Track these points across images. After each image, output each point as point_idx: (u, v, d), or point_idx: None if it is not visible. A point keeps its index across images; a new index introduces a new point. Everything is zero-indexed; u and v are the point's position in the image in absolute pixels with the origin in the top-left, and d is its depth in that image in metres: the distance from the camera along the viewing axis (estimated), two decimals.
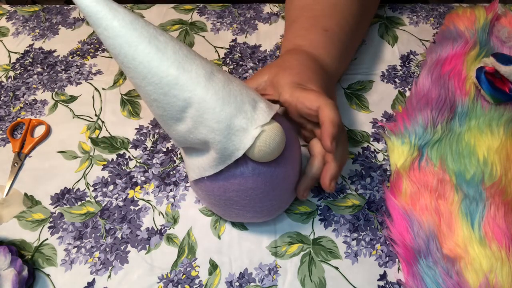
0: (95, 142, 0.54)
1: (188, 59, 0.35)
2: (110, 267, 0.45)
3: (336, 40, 0.52)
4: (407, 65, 0.62)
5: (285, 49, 0.53)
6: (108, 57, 0.63)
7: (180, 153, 0.53)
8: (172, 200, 0.50)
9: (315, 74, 0.46)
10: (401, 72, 0.61)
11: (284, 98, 0.44)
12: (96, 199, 0.50)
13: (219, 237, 0.47)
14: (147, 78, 0.34)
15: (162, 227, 0.48)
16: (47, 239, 0.47)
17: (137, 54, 0.34)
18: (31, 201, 0.50)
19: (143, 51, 0.34)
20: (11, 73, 0.62)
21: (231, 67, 0.62)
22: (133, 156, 0.53)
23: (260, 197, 0.40)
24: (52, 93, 0.59)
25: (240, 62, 0.62)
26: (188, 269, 0.45)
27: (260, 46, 0.65)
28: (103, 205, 0.49)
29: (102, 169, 0.52)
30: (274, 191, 0.41)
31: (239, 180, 0.39)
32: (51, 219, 0.48)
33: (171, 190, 0.50)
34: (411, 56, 0.63)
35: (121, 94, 0.59)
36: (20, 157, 0.53)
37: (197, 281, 0.44)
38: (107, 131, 0.56)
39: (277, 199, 0.42)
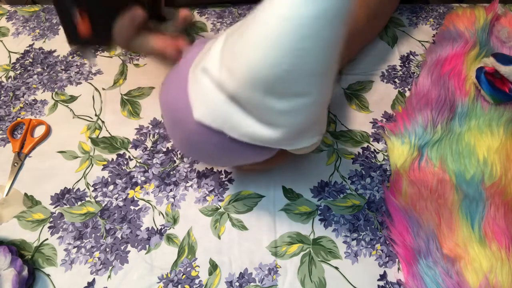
0: (95, 142, 0.54)
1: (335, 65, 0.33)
2: (110, 267, 0.45)
3: None
4: (407, 65, 0.62)
5: None
6: (108, 57, 0.63)
7: (180, 153, 0.53)
8: (172, 200, 0.50)
9: None
10: (401, 73, 0.61)
11: None
12: (96, 199, 0.50)
13: (219, 237, 0.47)
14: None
15: (162, 227, 0.48)
16: (47, 239, 0.47)
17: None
18: (31, 201, 0.50)
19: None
20: (11, 73, 0.62)
21: None
22: (133, 156, 0.53)
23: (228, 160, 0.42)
24: (52, 93, 0.59)
25: None
26: (188, 269, 0.45)
27: None
28: (103, 205, 0.49)
29: (102, 169, 0.52)
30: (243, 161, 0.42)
31: (231, 147, 0.37)
32: (51, 219, 0.48)
33: (171, 190, 0.50)
34: (411, 57, 0.63)
35: (121, 94, 0.59)
36: (20, 157, 0.53)
37: (197, 281, 0.44)
38: (107, 131, 0.56)
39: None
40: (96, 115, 0.57)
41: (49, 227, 0.48)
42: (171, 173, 0.52)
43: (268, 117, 0.33)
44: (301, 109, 0.33)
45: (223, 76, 0.33)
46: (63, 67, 0.62)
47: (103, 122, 0.56)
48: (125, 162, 0.53)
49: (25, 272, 0.42)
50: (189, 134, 0.38)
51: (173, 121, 0.40)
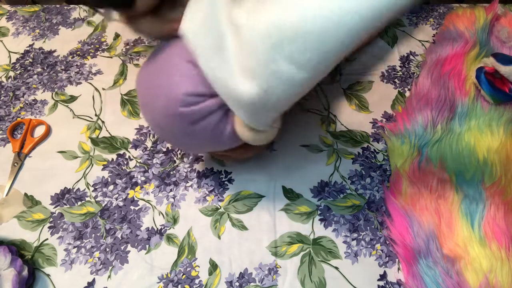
0: (95, 142, 0.54)
1: None
2: (110, 267, 0.45)
3: None
4: (406, 66, 0.62)
5: None
6: (108, 57, 0.63)
7: (180, 153, 0.53)
8: (172, 200, 0.50)
9: None
10: (400, 73, 0.61)
11: None
12: (96, 199, 0.50)
13: (219, 237, 0.47)
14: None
15: (162, 227, 0.48)
16: (47, 239, 0.47)
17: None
18: (31, 201, 0.50)
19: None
20: (11, 73, 0.62)
21: None
22: (133, 156, 0.53)
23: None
24: (52, 93, 0.59)
25: None
26: (188, 269, 0.45)
27: None
28: (103, 205, 0.49)
29: (102, 169, 0.52)
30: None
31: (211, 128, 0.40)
32: (51, 219, 0.48)
33: (171, 190, 0.50)
34: (411, 57, 0.63)
35: (121, 94, 0.59)
36: (20, 157, 0.53)
37: (197, 281, 0.44)
38: (107, 131, 0.56)
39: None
40: (96, 115, 0.57)
41: (49, 227, 0.48)
42: (171, 173, 0.52)
43: (258, 67, 0.33)
44: (290, 80, 0.33)
45: (242, 10, 0.33)
46: (63, 67, 0.62)
47: (103, 122, 0.56)
48: (125, 162, 0.53)
49: (25, 272, 0.42)
50: (157, 118, 0.40)
51: (144, 105, 0.41)
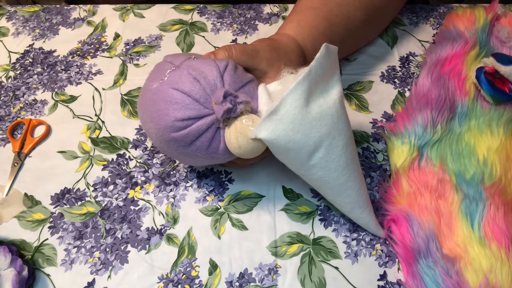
0: (95, 142, 0.54)
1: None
2: (110, 267, 0.45)
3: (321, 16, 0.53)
4: (406, 66, 0.62)
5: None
6: (108, 57, 0.63)
7: None
8: (172, 200, 0.50)
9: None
10: (400, 73, 0.61)
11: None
12: (96, 199, 0.50)
13: (219, 237, 0.47)
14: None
15: (162, 227, 0.48)
16: (47, 239, 0.47)
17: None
18: (31, 201, 0.50)
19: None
20: (11, 73, 0.62)
21: None
22: (133, 156, 0.53)
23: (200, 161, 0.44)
24: (52, 93, 0.59)
25: None
26: (188, 269, 0.45)
27: None
28: (103, 205, 0.49)
29: (102, 169, 0.52)
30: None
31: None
32: (51, 219, 0.48)
33: (171, 190, 0.50)
34: (411, 57, 0.63)
35: (121, 94, 0.59)
36: (20, 157, 0.53)
37: (197, 281, 0.44)
38: (107, 131, 0.56)
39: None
40: (96, 115, 0.57)
41: (49, 227, 0.48)
42: (171, 173, 0.52)
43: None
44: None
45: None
46: (63, 67, 0.62)
47: (103, 122, 0.56)
48: (125, 162, 0.53)
49: (25, 272, 0.42)
50: (156, 144, 0.44)
51: (145, 131, 0.45)
